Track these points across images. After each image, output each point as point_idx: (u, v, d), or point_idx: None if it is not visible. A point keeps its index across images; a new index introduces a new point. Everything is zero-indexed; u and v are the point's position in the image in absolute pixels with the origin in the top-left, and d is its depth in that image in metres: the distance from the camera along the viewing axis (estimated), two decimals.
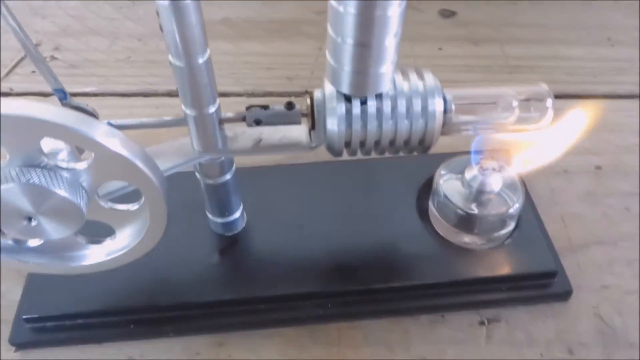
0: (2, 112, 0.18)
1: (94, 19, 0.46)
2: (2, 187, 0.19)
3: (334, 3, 0.19)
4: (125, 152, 0.19)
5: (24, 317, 0.25)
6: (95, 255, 0.23)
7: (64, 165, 0.20)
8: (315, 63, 0.42)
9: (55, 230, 0.21)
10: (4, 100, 0.18)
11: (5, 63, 0.42)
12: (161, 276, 0.27)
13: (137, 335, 0.26)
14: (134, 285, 0.26)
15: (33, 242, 0.23)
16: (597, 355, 0.26)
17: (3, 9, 0.20)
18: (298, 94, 0.40)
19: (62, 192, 0.20)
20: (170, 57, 0.21)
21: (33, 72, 0.41)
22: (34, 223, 0.20)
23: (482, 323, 0.27)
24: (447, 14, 0.48)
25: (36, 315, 0.26)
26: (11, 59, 0.42)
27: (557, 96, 0.39)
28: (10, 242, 0.23)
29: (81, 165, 0.20)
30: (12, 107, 0.18)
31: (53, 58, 0.42)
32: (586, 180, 0.34)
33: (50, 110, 0.18)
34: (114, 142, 0.19)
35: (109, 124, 0.23)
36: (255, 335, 0.27)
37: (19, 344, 0.26)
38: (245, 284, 0.27)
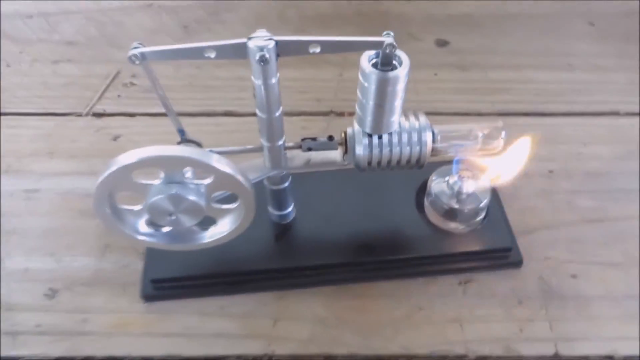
0: (165, 154, 0.29)
1: None
2: (157, 197, 0.31)
3: (361, 78, 0.31)
4: (231, 172, 0.31)
5: (151, 278, 0.38)
6: (203, 237, 0.35)
7: (192, 180, 0.32)
8: (337, 87, 0.54)
9: (185, 222, 0.33)
10: (166, 147, 0.30)
11: (95, 89, 0.53)
12: (239, 251, 0.39)
13: (225, 291, 0.38)
14: (222, 258, 0.38)
15: (166, 229, 0.35)
16: (538, 304, 0.38)
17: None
18: (326, 113, 0.51)
19: (192, 197, 0.31)
20: (257, 111, 0.32)
21: (119, 96, 0.53)
22: (173, 217, 0.32)
23: (460, 283, 0.39)
24: (442, 43, 0.59)
25: (157, 277, 0.38)
26: (100, 84, 0.54)
27: (525, 114, 0.51)
28: (152, 230, 0.35)
29: (204, 181, 0.32)
30: (169, 150, 0.30)
31: (132, 84, 0.54)
32: (541, 181, 0.45)
33: (186, 150, 0.30)
34: (224, 166, 0.31)
35: (211, 151, 0.35)
36: (304, 292, 0.39)
37: (146, 297, 0.38)
38: (295, 257, 0.39)
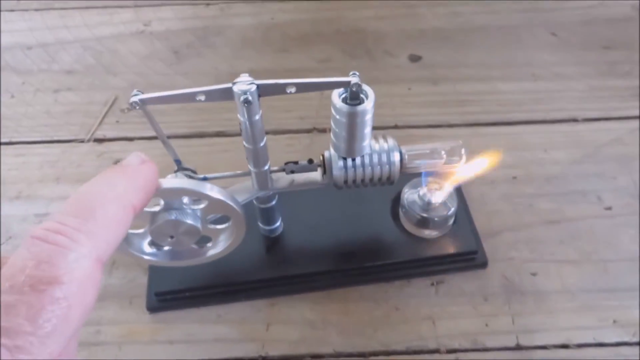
0: (164, 186, 0.34)
1: (152, 75, 0.62)
2: (159, 222, 0.35)
3: (334, 112, 0.35)
4: (223, 198, 0.36)
5: (155, 291, 0.42)
6: (201, 254, 0.40)
7: (189, 206, 0.36)
8: (319, 105, 0.58)
9: (185, 242, 0.37)
10: (164, 180, 0.34)
11: (95, 115, 0.58)
12: (234, 263, 0.43)
13: (221, 300, 0.43)
14: (218, 270, 0.43)
15: (167, 248, 0.39)
16: (501, 300, 0.43)
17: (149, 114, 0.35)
18: (309, 131, 0.55)
19: (190, 221, 0.36)
20: (244, 142, 0.37)
21: (117, 121, 0.57)
22: (174, 239, 0.37)
23: (432, 284, 0.44)
24: (415, 58, 0.63)
25: (160, 290, 0.42)
26: (99, 111, 0.58)
27: (490, 124, 0.56)
28: (155, 250, 0.39)
29: (200, 205, 0.36)
30: (168, 183, 0.34)
31: (129, 110, 0.58)
32: (505, 187, 0.50)
33: (183, 182, 0.34)
34: (216, 193, 0.35)
35: (205, 178, 0.39)
36: (293, 299, 0.43)
37: (151, 309, 0.43)
38: (284, 266, 0.44)
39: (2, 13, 0.69)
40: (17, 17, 0.69)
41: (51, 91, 0.60)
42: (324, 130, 0.56)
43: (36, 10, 0.70)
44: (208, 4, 0.71)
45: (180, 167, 0.39)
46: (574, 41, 0.64)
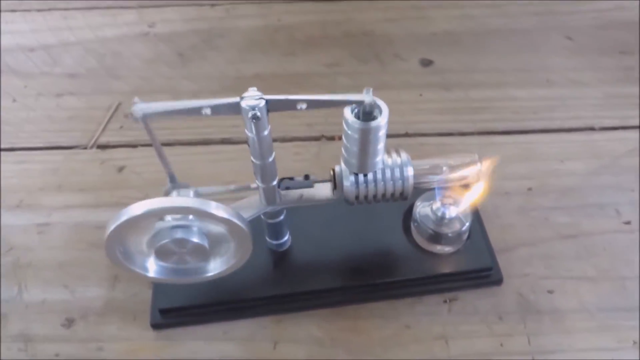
0: (170, 205, 0.32)
1: (157, 78, 0.60)
2: (164, 241, 0.34)
3: (345, 127, 0.34)
4: (227, 216, 0.34)
5: (159, 308, 0.41)
6: (207, 272, 0.38)
7: (194, 223, 0.35)
8: (327, 111, 0.56)
9: (190, 260, 0.36)
10: (170, 198, 0.33)
11: (98, 121, 0.56)
12: (240, 279, 0.42)
13: (227, 317, 0.42)
14: (223, 286, 0.41)
15: (171, 265, 0.38)
16: (516, 318, 0.41)
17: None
18: (317, 138, 0.54)
19: (195, 239, 0.35)
20: (252, 158, 0.35)
21: (121, 127, 0.56)
22: (179, 257, 0.35)
23: (445, 301, 0.43)
24: (426, 62, 0.62)
25: (164, 307, 0.41)
26: (102, 116, 0.57)
27: (504, 132, 0.54)
28: (160, 268, 0.38)
29: (205, 223, 0.35)
30: (174, 201, 0.33)
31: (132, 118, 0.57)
32: (520, 199, 0.48)
33: (189, 201, 0.33)
34: (222, 212, 0.34)
35: (197, 192, 0.38)
36: (300, 316, 0.42)
37: (155, 326, 0.41)
38: (292, 283, 0.42)
39: (3, 14, 0.68)
40: (18, 18, 0.67)
41: (53, 95, 0.58)
42: (332, 138, 0.54)
43: (38, 10, 0.68)
44: (213, 5, 0.69)
45: (175, 184, 0.38)
46: (590, 46, 0.62)
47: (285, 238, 0.43)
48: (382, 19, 0.67)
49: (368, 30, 0.65)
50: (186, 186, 0.38)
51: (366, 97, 0.31)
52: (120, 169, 0.52)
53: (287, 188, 0.38)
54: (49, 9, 0.68)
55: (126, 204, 0.32)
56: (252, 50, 0.63)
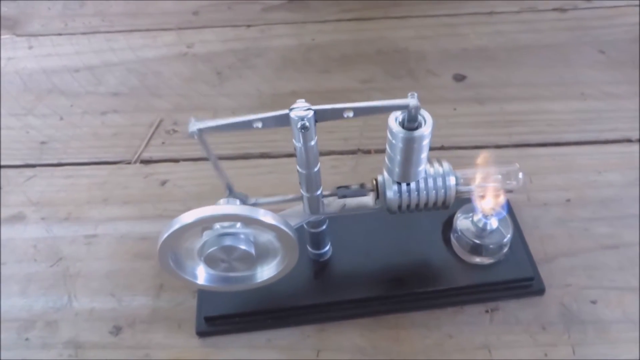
0: (219, 213, 0.34)
1: (196, 96, 0.62)
2: (213, 248, 0.35)
3: (390, 136, 0.35)
4: (276, 223, 0.35)
5: (205, 316, 0.42)
6: (254, 279, 0.39)
7: (242, 230, 0.36)
8: (363, 126, 0.57)
9: (237, 267, 0.37)
10: (219, 206, 0.34)
11: (141, 137, 0.58)
12: (282, 288, 0.42)
13: (271, 325, 0.42)
14: (267, 295, 0.42)
15: (219, 273, 0.39)
16: (560, 329, 0.41)
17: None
18: (353, 152, 0.55)
19: (243, 247, 0.36)
20: (298, 167, 0.36)
21: (163, 142, 0.57)
22: (226, 264, 0.36)
23: (487, 311, 0.43)
24: (459, 77, 0.62)
25: (209, 315, 0.42)
26: (145, 132, 0.58)
27: (540, 144, 0.54)
28: (209, 276, 0.39)
29: (253, 231, 0.36)
30: (222, 209, 0.34)
31: (174, 131, 0.58)
32: (558, 210, 0.48)
33: (237, 209, 0.34)
34: (270, 219, 0.35)
35: (256, 203, 0.39)
36: (343, 324, 0.42)
37: (200, 334, 0.42)
38: (333, 292, 0.43)
39: (50, 37, 0.71)
40: (64, 41, 0.70)
41: (98, 113, 0.61)
42: (368, 152, 0.55)
43: (83, 34, 0.71)
44: (249, 26, 0.71)
45: (232, 193, 0.39)
46: (624, 59, 0.63)
47: (327, 248, 0.44)
48: (414, 37, 0.68)
49: (400, 47, 0.67)
50: (245, 195, 0.39)
51: (411, 100, 0.32)
52: (163, 183, 0.53)
53: (344, 196, 0.39)
54: (93, 32, 0.71)
55: (169, 217, 0.34)
56: (287, 69, 0.65)
